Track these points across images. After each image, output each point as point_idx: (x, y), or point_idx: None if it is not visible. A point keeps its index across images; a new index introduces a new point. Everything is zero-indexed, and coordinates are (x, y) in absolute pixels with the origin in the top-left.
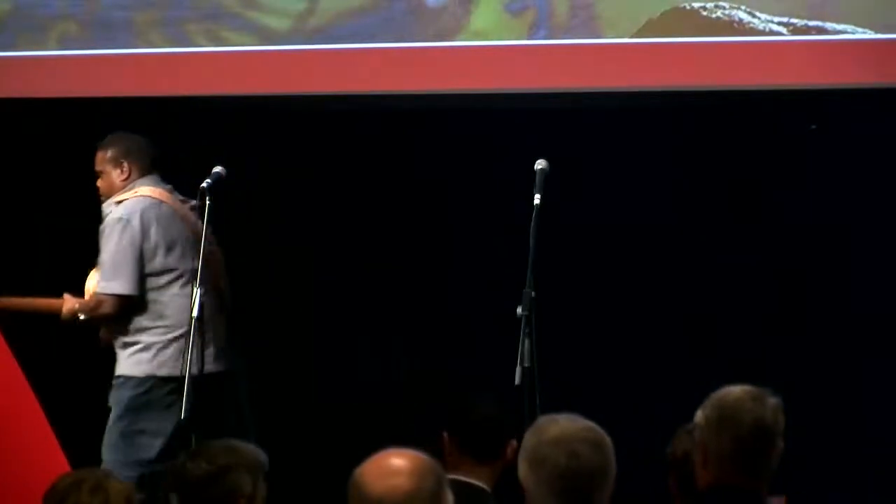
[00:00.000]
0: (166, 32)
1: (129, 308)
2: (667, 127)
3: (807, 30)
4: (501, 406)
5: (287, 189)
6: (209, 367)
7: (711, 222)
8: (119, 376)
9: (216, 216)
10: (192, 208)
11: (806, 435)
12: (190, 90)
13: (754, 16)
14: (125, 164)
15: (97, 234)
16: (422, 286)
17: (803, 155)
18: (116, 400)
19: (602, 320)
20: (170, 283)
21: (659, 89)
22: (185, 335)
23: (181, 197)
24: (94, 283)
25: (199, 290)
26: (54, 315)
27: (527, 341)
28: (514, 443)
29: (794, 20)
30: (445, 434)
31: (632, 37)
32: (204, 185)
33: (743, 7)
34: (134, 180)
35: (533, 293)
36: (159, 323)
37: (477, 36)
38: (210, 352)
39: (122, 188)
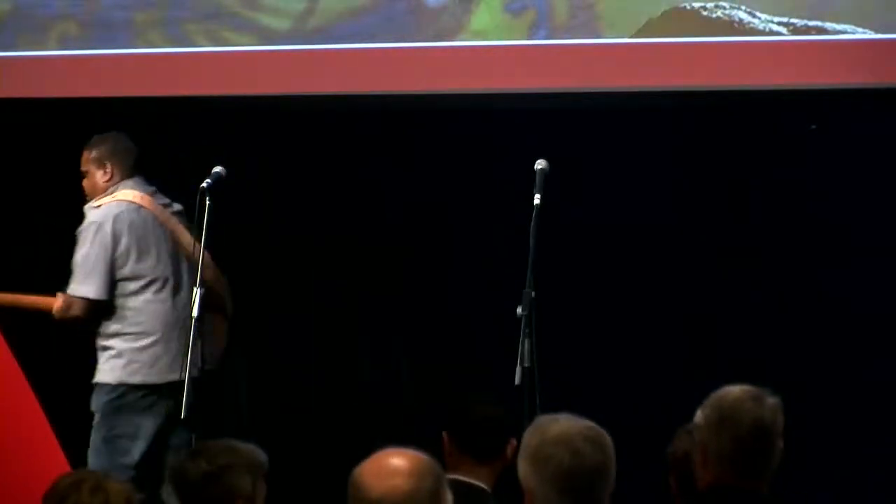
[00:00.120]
0: (166, 32)
1: (98, 312)
2: (667, 127)
3: (807, 30)
4: (501, 406)
5: (287, 189)
6: (179, 374)
7: (711, 222)
8: (96, 382)
9: (216, 216)
10: (175, 213)
11: (806, 435)
12: (190, 90)
13: (754, 16)
14: (108, 166)
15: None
16: (422, 286)
17: (803, 155)
18: (96, 406)
19: (602, 320)
20: (143, 288)
21: (659, 89)
22: (160, 341)
23: (164, 200)
24: None
25: (199, 291)
26: (46, 312)
27: (527, 341)
28: (514, 442)
29: (794, 20)
30: (445, 434)
31: (632, 37)
32: (204, 185)
33: (743, 7)
34: (117, 182)
35: (533, 293)
36: (132, 329)
37: (477, 36)
38: (182, 357)
39: (105, 189)
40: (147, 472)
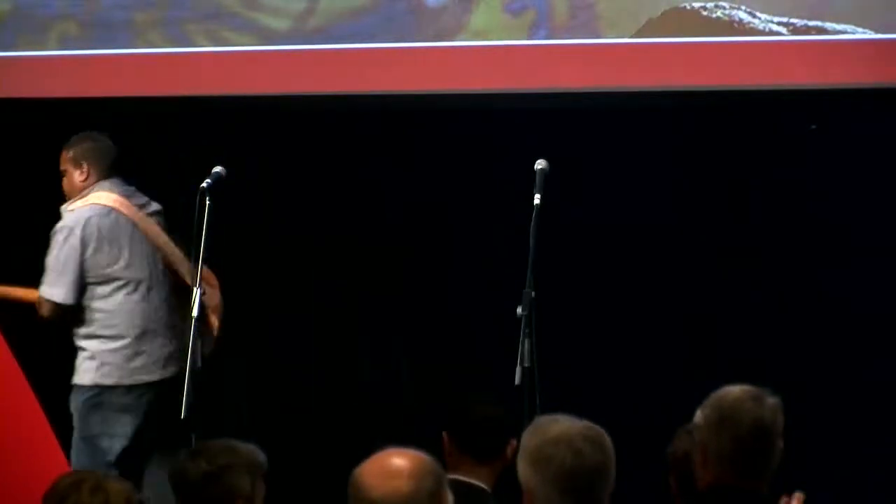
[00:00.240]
0: (166, 32)
1: (66, 315)
2: (667, 127)
3: (807, 30)
4: (501, 406)
5: (287, 189)
6: (160, 373)
7: (711, 222)
8: (73, 384)
9: (216, 216)
10: (153, 213)
11: (806, 435)
12: (190, 90)
13: (754, 16)
14: (85, 166)
15: None
16: (422, 286)
17: (803, 155)
18: (74, 406)
19: (602, 320)
20: (115, 291)
21: (659, 89)
22: (133, 343)
23: (142, 200)
24: None
25: (198, 291)
26: (33, 306)
27: (527, 341)
28: (514, 442)
29: (794, 20)
30: (445, 434)
31: (632, 37)
32: (204, 185)
33: (743, 7)
34: (93, 182)
35: (533, 293)
36: (105, 332)
37: (477, 36)
38: (161, 357)
39: (82, 189)
40: (129, 471)
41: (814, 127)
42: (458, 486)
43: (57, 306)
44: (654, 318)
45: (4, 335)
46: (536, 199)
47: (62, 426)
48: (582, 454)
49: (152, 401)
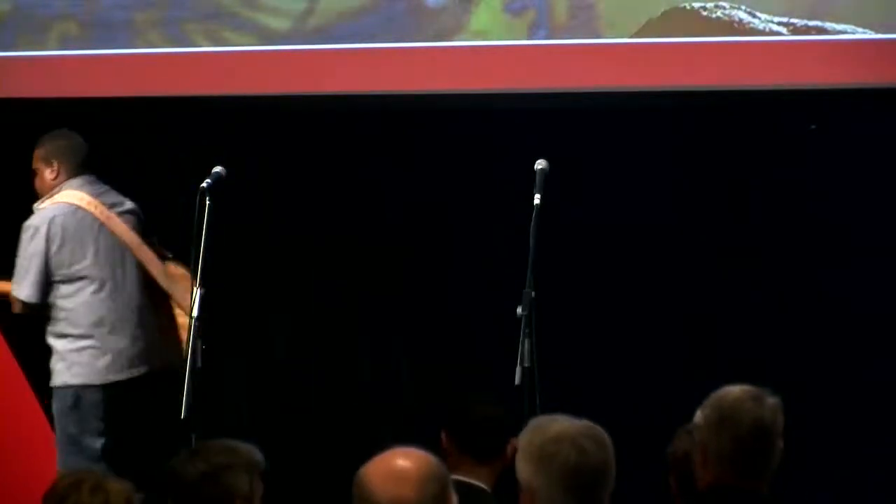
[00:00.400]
0: (166, 32)
1: (35, 313)
2: (667, 127)
3: (807, 30)
4: (501, 406)
5: (287, 189)
6: (128, 372)
7: (711, 222)
8: (51, 385)
9: (216, 216)
10: (125, 212)
11: (806, 435)
12: (190, 90)
13: (754, 16)
14: (55, 164)
15: None
16: (422, 286)
17: (803, 155)
18: (53, 407)
19: (602, 320)
20: (80, 290)
21: (659, 89)
22: (99, 342)
23: (114, 199)
24: None
25: (198, 291)
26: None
27: (527, 341)
28: (514, 442)
29: (794, 20)
30: (445, 434)
31: (632, 37)
32: (204, 185)
33: (743, 7)
34: (63, 181)
35: (533, 293)
36: (71, 331)
37: (477, 36)
38: (130, 356)
39: (53, 188)
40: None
41: (814, 127)
42: (458, 487)
43: (24, 304)
44: (654, 318)
45: (4, 335)
46: (536, 199)
47: None
48: (586, 452)
49: (126, 399)
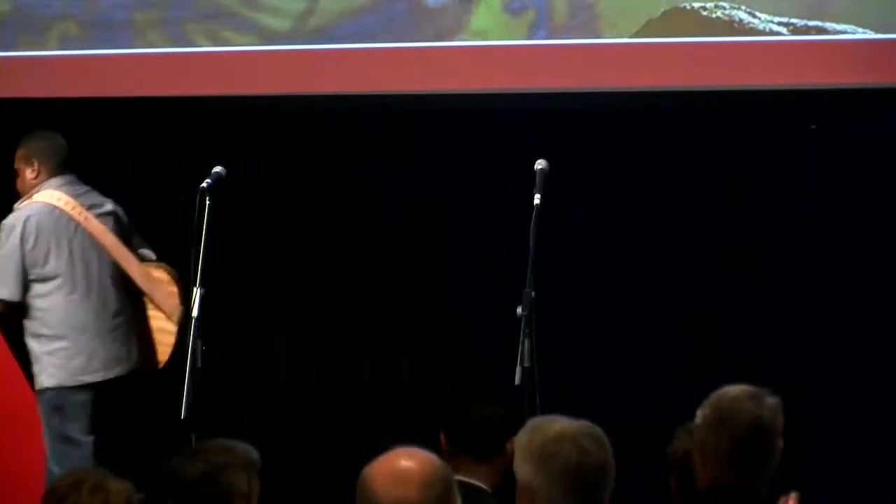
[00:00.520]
0: (166, 32)
1: (14, 312)
2: (667, 127)
3: (807, 30)
4: (501, 406)
5: (287, 189)
6: (103, 374)
7: (711, 222)
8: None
9: (216, 216)
10: (105, 213)
11: (806, 435)
12: (190, 90)
13: (754, 16)
14: (35, 164)
15: None
16: (422, 286)
17: (803, 155)
18: (39, 412)
19: (602, 320)
20: (55, 290)
21: (659, 89)
22: (71, 343)
23: (94, 200)
24: None
25: (198, 291)
26: None
27: (527, 341)
28: (514, 442)
29: (794, 20)
30: (444, 434)
31: (632, 37)
32: (204, 185)
33: (743, 7)
34: (43, 181)
35: (533, 293)
36: (44, 331)
37: (477, 36)
38: (106, 358)
39: (33, 187)
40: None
41: (814, 127)
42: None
43: (3, 303)
44: (654, 318)
45: (4, 335)
46: (536, 199)
47: None
48: (587, 451)
49: (107, 399)
